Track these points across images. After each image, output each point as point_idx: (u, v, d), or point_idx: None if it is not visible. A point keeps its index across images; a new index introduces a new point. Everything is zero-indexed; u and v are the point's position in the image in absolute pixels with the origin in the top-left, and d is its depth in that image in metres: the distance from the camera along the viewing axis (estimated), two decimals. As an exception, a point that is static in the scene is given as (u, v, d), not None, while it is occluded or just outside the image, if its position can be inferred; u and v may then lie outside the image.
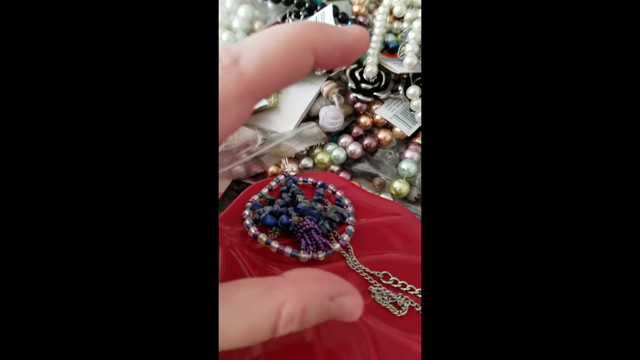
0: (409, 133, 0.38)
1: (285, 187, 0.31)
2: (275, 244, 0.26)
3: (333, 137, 0.40)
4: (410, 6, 0.44)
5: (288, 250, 0.26)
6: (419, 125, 0.39)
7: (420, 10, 0.41)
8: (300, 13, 0.43)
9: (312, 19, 0.39)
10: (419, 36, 0.37)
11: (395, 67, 0.38)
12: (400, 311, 0.24)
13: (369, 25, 0.44)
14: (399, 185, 0.34)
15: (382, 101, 0.40)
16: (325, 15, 0.38)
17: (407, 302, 0.25)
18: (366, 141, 0.38)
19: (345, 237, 0.28)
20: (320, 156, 0.37)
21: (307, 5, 0.43)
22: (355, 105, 0.40)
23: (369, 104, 0.40)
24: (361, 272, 0.27)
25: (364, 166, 0.38)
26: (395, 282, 0.26)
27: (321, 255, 0.26)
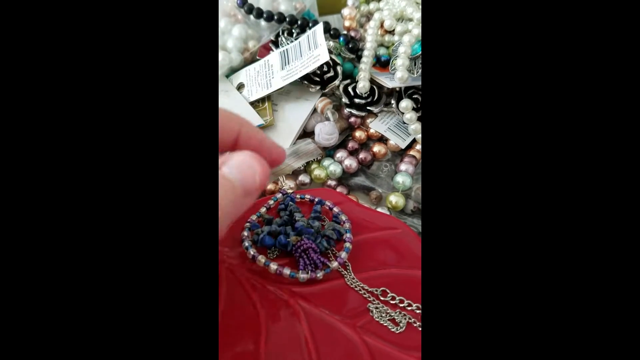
0: (403, 145, 0.39)
1: (283, 206, 0.32)
2: (273, 266, 0.26)
3: (329, 151, 0.41)
4: (400, 19, 0.44)
5: (287, 271, 0.26)
6: (412, 137, 0.39)
7: (410, 23, 0.42)
8: (293, 30, 0.43)
9: (303, 37, 0.40)
10: (409, 50, 0.38)
11: (387, 82, 0.38)
12: (399, 328, 0.25)
13: (360, 40, 0.45)
14: (395, 199, 0.35)
15: (375, 115, 0.41)
16: (316, 34, 0.38)
17: (405, 319, 0.25)
18: (361, 155, 0.39)
19: (343, 254, 0.28)
20: (317, 172, 0.38)
21: (299, 22, 0.43)
22: (349, 120, 0.41)
23: (363, 118, 0.40)
24: (360, 290, 0.27)
25: (360, 180, 0.39)
26: (393, 298, 0.27)
27: (320, 274, 0.27)
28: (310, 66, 0.37)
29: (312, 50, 0.37)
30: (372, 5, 0.48)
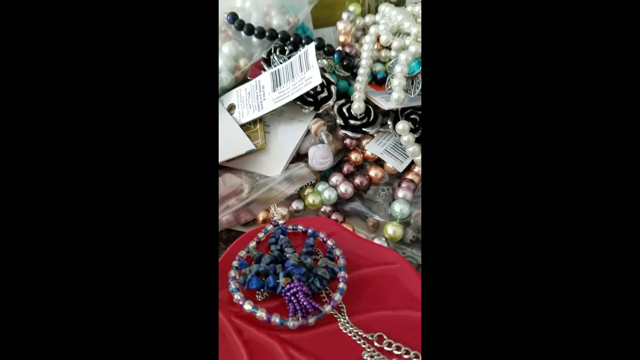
0: (400, 169, 0.37)
1: (273, 239, 0.30)
2: (262, 313, 0.25)
3: (324, 173, 0.39)
4: (397, 34, 0.42)
5: (275, 319, 0.25)
6: (410, 159, 0.37)
7: (408, 38, 0.40)
8: (286, 48, 0.42)
9: (295, 57, 0.38)
10: (406, 69, 0.36)
11: (383, 103, 0.37)
12: (395, 380, 0.23)
13: (356, 56, 0.43)
14: (393, 229, 0.33)
15: (372, 136, 0.39)
16: (308, 54, 0.37)
17: (402, 369, 0.24)
18: (357, 180, 0.37)
19: (337, 297, 0.26)
20: (311, 198, 0.36)
21: (291, 39, 0.42)
22: (344, 141, 0.39)
23: (358, 139, 0.39)
24: (354, 336, 0.26)
25: (356, 205, 0.37)
26: (390, 344, 0.25)
27: (311, 320, 0.25)
28: (302, 89, 0.35)
29: (304, 72, 0.36)
30: (367, 19, 0.46)
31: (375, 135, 0.39)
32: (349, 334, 0.26)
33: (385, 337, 0.25)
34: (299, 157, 0.39)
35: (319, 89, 0.38)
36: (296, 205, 0.37)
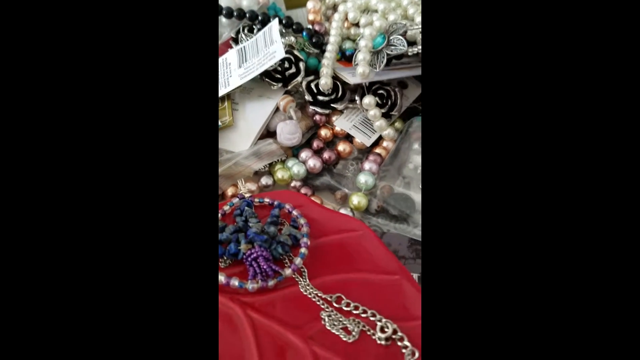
0: (368, 143, 0.38)
1: (238, 211, 0.31)
2: (221, 277, 0.25)
3: (295, 150, 0.39)
4: (365, 11, 0.43)
5: (235, 282, 0.25)
6: (378, 134, 0.38)
7: (375, 14, 0.41)
8: (254, 27, 0.42)
9: (260, 34, 0.38)
10: (371, 43, 0.36)
11: (350, 78, 0.37)
12: (351, 337, 0.24)
13: (325, 34, 0.43)
14: (358, 199, 0.34)
15: (341, 112, 0.39)
16: (272, 30, 0.37)
17: (358, 327, 0.24)
18: (326, 155, 0.38)
19: (298, 260, 0.27)
20: (280, 173, 0.37)
21: (260, 18, 0.42)
22: (314, 118, 0.39)
23: (328, 115, 0.39)
24: (314, 297, 0.26)
25: (326, 180, 0.38)
26: (348, 304, 0.26)
27: (271, 283, 0.26)
28: (267, 63, 0.35)
29: (268, 47, 0.36)
30: (337, -2, 0.46)
31: (344, 111, 0.39)
32: (309, 296, 0.26)
33: (344, 297, 0.26)
34: (270, 134, 0.40)
35: (286, 65, 0.38)
36: (265, 180, 0.37)
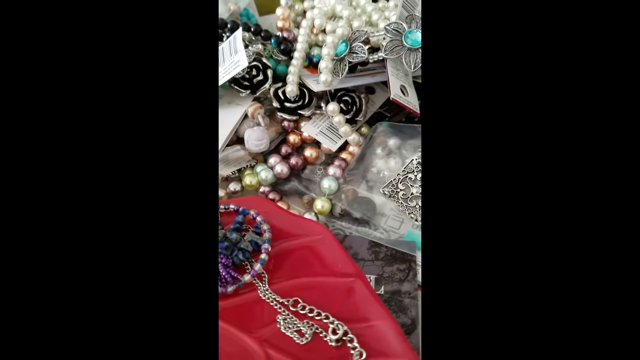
0: (334, 148, 0.39)
1: (204, 218, 0.32)
2: (180, 284, 0.26)
3: (265, 155, 0.40)
4: (331, 17, 0.44)
5: (193, 288, 0.26)
6: (344, 140, 0.39)
7: (340, 21, 0.42)
8: (224, 35, 0.43)
9: (225, 43, 0.39)
10: (333, 51, 0.37)
11: (314, 85, 0.38)
12: (304, 339, 0.25)
13: (294, 40, 0.44)
14: (321, 204, 0.35)
15: (309, 118, 0.40)
16: (236, 39, 0.38)
17: (312, 329, 0.26)
18: (293, 160, 0.39)
19: (257, 266, 0.28)
20: (248, 179, 0.38)
21: (229, 26, 0.43)
22: (283, 124, 0.40)
23: (296, 121, 0.40)
24: (272, 302, 0.27)
25: (293, 185, 0.39)
26: (304, 307, 0.27)
27: (230, 289, 0.27)
28: (231, 72, 0.36)
29: (233, 56, 0.37)
30: (306, 4, 0.47)
31: (312, 117, 0.40)
32: (267, 300, 0.27)
33: (300, 301, 0.27)
34: (240, 140, 0.41)
35: (254, 72, 0.39)
36: (234, 186, 0.38)
